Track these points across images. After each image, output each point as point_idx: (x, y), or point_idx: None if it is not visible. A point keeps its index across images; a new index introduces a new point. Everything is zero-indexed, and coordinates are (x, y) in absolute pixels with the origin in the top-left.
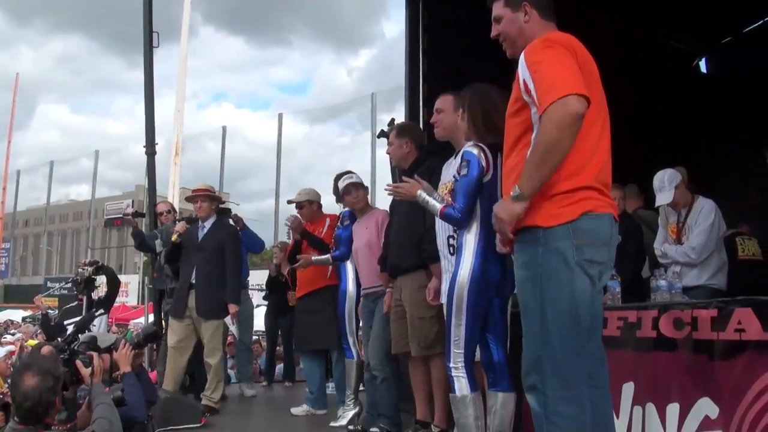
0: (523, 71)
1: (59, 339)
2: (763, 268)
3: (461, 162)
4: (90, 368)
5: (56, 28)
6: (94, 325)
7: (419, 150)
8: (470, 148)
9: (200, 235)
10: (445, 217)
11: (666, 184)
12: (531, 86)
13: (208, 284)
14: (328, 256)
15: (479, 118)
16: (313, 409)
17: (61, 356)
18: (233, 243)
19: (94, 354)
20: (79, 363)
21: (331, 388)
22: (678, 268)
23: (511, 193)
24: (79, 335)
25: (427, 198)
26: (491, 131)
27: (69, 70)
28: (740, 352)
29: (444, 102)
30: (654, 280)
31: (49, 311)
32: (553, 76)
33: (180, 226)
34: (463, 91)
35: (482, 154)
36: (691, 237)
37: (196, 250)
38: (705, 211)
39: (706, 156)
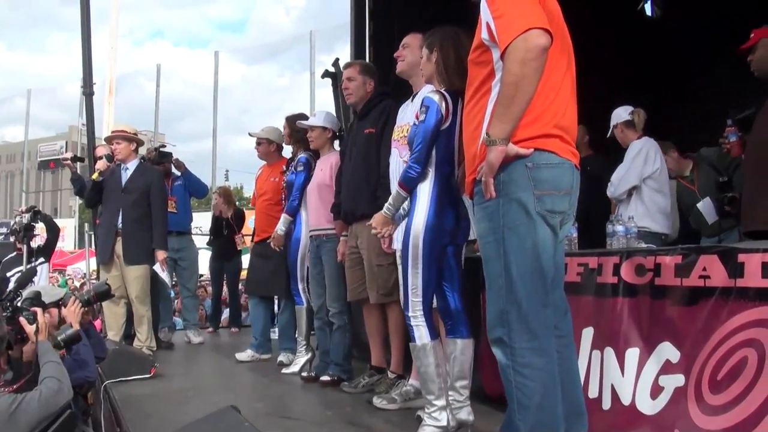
0: (484, 14)
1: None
2: None
3: (421, 107)
4: (35, 325)
5: None
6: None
7: (375, 92)
8: (431, 94)
9: (124, 177)
10: (404, 184)
11: (611, 121)
12: (493, 27)
13: (135, 229)
14: (284, 215)
15: (451, 61)
16: (257, 354)
17: (4, 314)
18: (160, 186)
19: (38, 310)
20: (23, 320)
21: (274, 333)
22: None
23: (482, 140)
24: (21, 291)
25: (388, 206)
26: (461, 75)
27: (7, 5)
28: (704, 298)
29: (412, 39)
30: (610, 225)
31: None
32: (512, 13)
33: (100, 164)
34: (431, 32)
35: (443, 101)
36: None
37: (121, 193)
38: (631, 148)
39: (654, 100)
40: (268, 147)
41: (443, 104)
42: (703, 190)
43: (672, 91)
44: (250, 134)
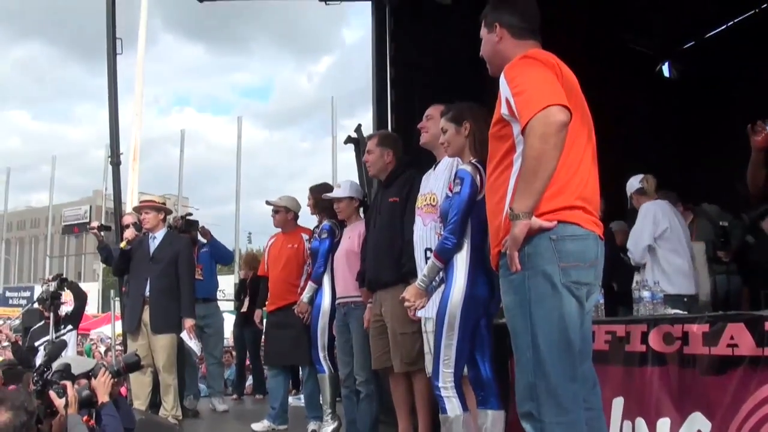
0: (504, 90)
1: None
2: None
3: (455, 179)
4: (64, 399)
5: (18, 35)
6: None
7: (398, 161)
8: (465, 166)
9: (152, 246)
10: (440, 255)
11: (627, 192)
12: (512, 102)
13: (163, 298)
14: (309, 283)
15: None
16: (274, 425)
17: (34, 387)
18: (188, 255)
19: (68, 383)
20: (52, 394)
21: (292, 401)
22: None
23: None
24: (51, 364)
25: (423, 277)
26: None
27: (31, 77)
28: (733, 367)
29: (435, 110)
30: (637, 291)
31: (9, 321)
32: (532, 90)
33: (129, 233)
34: (452, 106)
35: (477, 173)
36: None
37: (149, 262)
38: (640, 212)
39: (670, 159)
40: (285, 215)
41: (477, 176)
42: (700, 240)
43: (682, 149)
44: (267, 203)
